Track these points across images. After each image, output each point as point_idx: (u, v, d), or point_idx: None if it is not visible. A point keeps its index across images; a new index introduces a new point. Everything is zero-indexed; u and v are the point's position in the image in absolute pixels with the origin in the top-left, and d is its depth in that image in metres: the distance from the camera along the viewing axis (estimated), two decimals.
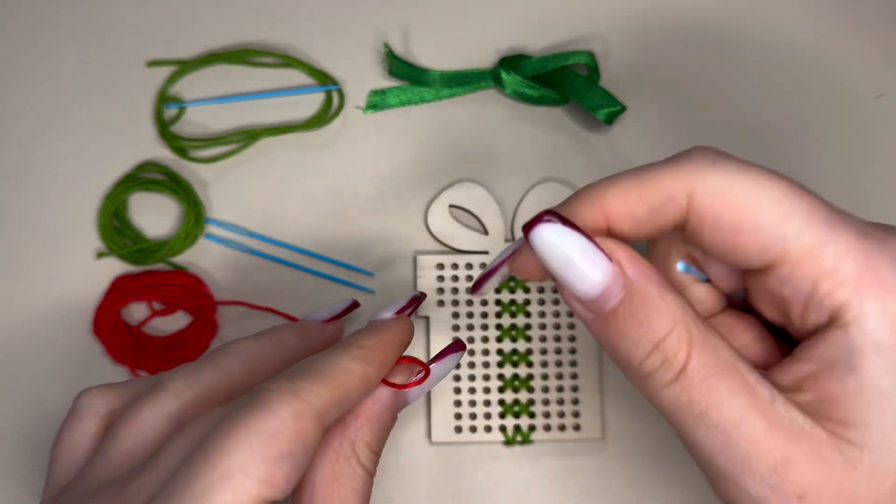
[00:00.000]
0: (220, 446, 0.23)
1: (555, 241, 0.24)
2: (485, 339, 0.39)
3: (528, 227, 0.24)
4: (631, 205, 0.25)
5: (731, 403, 0.23)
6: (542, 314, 0.39)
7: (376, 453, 0.28)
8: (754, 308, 0.27)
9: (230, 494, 0.23)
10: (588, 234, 0.24)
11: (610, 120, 0.41)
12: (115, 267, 0.40)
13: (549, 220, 0.24)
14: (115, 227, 0.40)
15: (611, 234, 0.26)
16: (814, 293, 0.23)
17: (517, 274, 0.28)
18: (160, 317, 0.39)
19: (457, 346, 0.31)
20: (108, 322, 0.38)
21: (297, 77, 0.42)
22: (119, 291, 0.39)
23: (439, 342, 0.39)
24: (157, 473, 0.24)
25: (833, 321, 0.23)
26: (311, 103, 0.42)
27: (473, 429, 0.38)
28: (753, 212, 0.24)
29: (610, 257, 0.24)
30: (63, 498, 0.27)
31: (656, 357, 0.24)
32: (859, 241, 0.23)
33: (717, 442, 0.24)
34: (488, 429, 0.38)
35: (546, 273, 0.25)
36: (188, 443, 0.25)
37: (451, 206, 0.40)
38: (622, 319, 0.24)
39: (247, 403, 0.24)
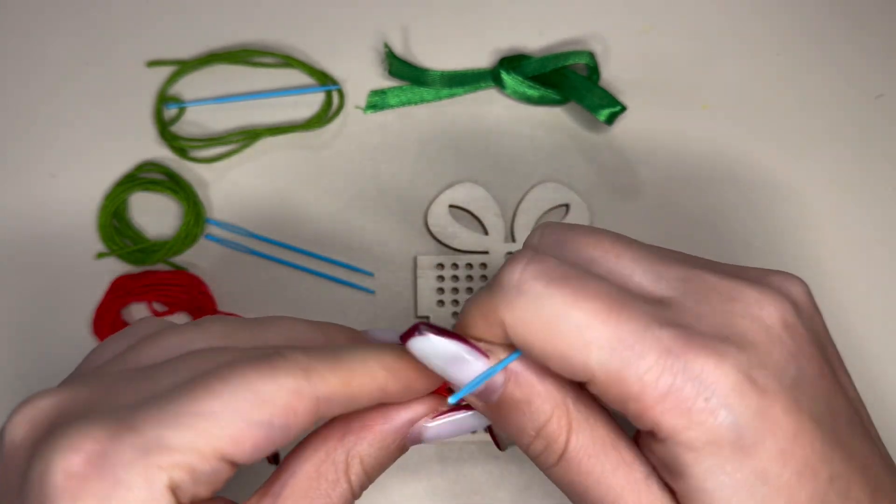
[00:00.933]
0: (211, 386, 0.23)
1: (429, 350, 0.25)
2: None
3: (403, 339, 0.25)
4: (481, 330, 0.26)
5: (608, 483, 0.25)
6: None
7: (368, 474, 0.28)
8: None
9: (193, 433, 0.23)
10: (461, 338, 0.25)
11: (610, 120, 0.40)
12: (115, 267, 0.40)
13: (420, 333, 0.25)
14: (115, 227, 0.40)
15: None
16: (625, 411, 0.24)
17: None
18: (161, 317, 0.39)
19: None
20: (108, 322, 0.38)
21: (297, 77, 0.42)
22: (119, 291, 0.39)
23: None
24: (148, 385, 0.24)
25: (651, 434, 0.24)
26: (311, 103, 0.42)
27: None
28: (558, 342, 0.24)
29: (486, 354, 0.25)
30: (67, 378, 0.27)
31: (540, 442, 0.26)
32: (663, 360, 0.23)
33: None
34: (488, 429, 0.38)
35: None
36: (189, 369, 0.24)
37: (451, 206, 0.40)
38: (506, 409, 0.26)
39: (257, 359, 0.24)
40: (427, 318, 0.39)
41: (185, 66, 0.42)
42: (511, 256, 0.26)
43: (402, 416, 0.28)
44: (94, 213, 0.40)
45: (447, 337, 0.25)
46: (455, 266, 0.40)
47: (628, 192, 0.41)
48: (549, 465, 0.26)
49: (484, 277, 0.39)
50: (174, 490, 0.23)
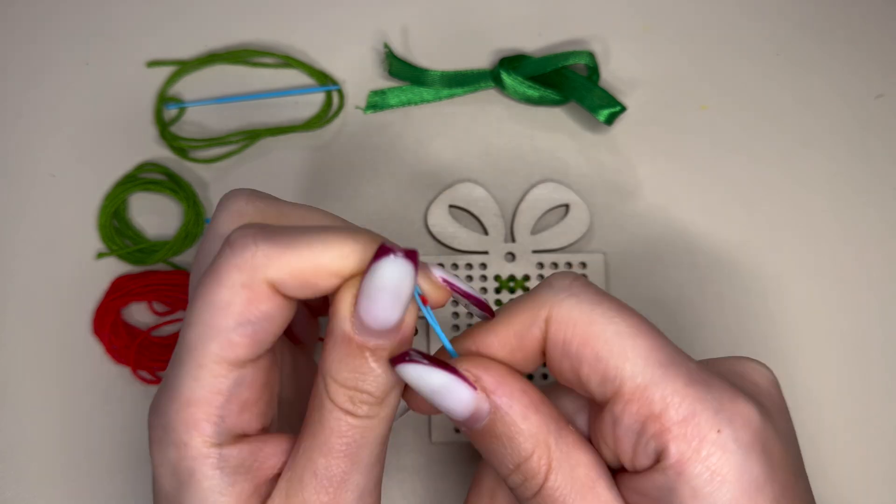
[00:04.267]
0: (193, 319, 0.26)
1: (418, 377, 0.26)
2: None
3: (394, 362, 0.26)
4: (502, 340, 0.27)
5: None
6: None
7: (341, 384, 0.26)
8: (594, 445, 0.28)
9: (202, 367, 0.25)
10: (450, 368, 0.26)
11: (610, 120, 0.40)
12: (115, 267, 0.40)
13: (410, 360, 0.25)
14: (115, 227, 0.40)
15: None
16: (642, 434, 0.25)
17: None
18: (161, 317, 0.39)
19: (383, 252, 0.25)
20: (108, 322, 0.38)
21: (297, 77, 0.42)
22: (119, 291, 0.39)
23: (439, 341, 0.39)
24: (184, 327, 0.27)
25: (657, 462, 0.25)
26: (311, 103, 0.42)
27: None
28: (597, 343, 0.25)
29: (474, 385, 0.26)
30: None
31: (518, 475, 0.26)
32: (687, 386, 0.25)
33: None
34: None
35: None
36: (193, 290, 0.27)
37: (451, 206, 0.40)
38: (488, 439, 0.26)
39: (208, 270, 0.26)
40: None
41: (185, 66, 0.42)
42: (556, 274, 0.27)
43: (339, 326, 0.26)
44: (94, 213, 0.40)
45: (437, 366, 0.26)
46: (455, 266, 0.40)
47: (628, 192, 0.41)
48: (525, 498, 0.27)
49: (483, 277, 0.39)
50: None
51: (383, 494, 0.38)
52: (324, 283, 0.25)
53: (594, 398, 0.26)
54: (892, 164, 0.42)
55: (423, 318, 0.39)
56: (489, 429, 0.26)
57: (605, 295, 0.26)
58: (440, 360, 0.26)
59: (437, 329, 0.27)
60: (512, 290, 0.39)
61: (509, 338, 0.27)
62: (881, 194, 0.42)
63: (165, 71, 0.42)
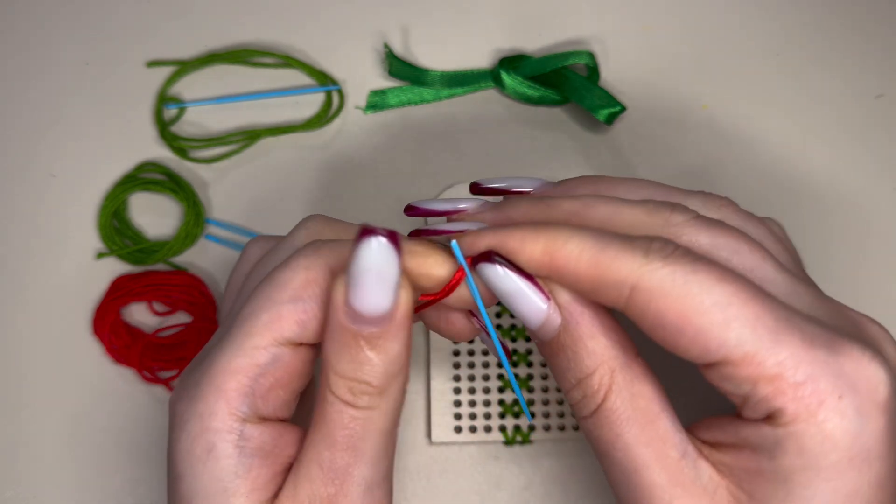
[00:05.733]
0: (252, 296, 0.27)
1: (497, 277, 0.26)
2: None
3: (477, 261, 0.27)
4: (579, 270, 0.26)
5: (635, 451, 0.26)
6: None
7: (341, 375, 0.26)
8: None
9: (249, 337, 0.26)
10: (529, 276, 0.26)
11: (610, 120, 0.41)
12: (115, 267, 0.40)
13: (493, 262, 0.26)
14: (115, 227, 0.40)
15: (550, 278, 0.27)
16: (751, 395, 0.24)
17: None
18: (161, 317, 0.39)
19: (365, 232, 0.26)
20: (108, 322, 0.38)
21: (297, 77, 0.42)
22: (119, 291, 0.39)
23: (439, 342, 0.39)
24: (231, 313, 0.29)
25: (766, 419, 0.24)
26: (311, 103, 0.42)
27: (473, 429, 0.38)
28: (696, 316, 0.24)
29: (548, 296, 0.26)
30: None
31: (578, 391, 0.27)
32: (805, 350, 0.24)
33: (619, 477, 0.26)
34: (488, 429, 0.38)
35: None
36: (249, 290, 0.29)
37: None
38: (555, 352, 0.27)
39: (284, 260, 0.28)
40: None
41: (185, 66, 0.42)
42: (655, 239, 0.26)
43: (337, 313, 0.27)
44: (94, 213, 0.40)
45: (516, 272, 0.26)
46: None
47: None
48: (582, 416, 0.27)
49: None
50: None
51: None
52: None
53: (695, 362, 0.25)
54: (892, 163, 0.42)
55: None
56: (557, 341, 0.27)
57: (704, 263, 0.25)
58: (520, 268, 0.26)
59: (482, 309, 0.28)
60: None
61: (584, 282, 0.26)
62: (881, 194, 0.42)
63: (165, 71, 0.42)
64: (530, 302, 0.26)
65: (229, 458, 0.26)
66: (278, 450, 0.27)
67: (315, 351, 0.28)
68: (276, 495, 0.27)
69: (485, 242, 0.27)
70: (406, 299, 0.26)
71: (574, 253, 0.26)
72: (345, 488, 0.26)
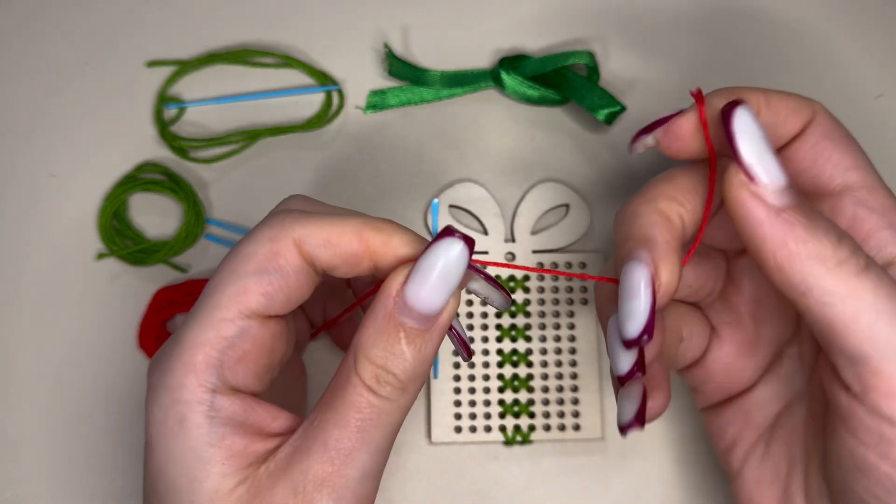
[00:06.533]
0: (218, 269, 0.28)
1: (755, 127, 0.26)
2: (485, 339, 0.39)
3: (733, 105, 0.26)
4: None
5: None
6: (542, 314, 0.39)
7: (371, 360, 0.26)
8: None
9: (215, 310, 0.27)
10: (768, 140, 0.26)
11: (610, 120, 0.41)
12: (115, 267, 0.40)
13: (748, 108, 0.26)
14: (115, 227, 0.40)
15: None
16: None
17: (667, 141, 0.30)
18: None
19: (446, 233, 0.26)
20: (153, 335, 0.38)
21: (297, 77, 0.42)
22: (162, 303, 0.39)
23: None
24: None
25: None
26: (311, 103, 0.42)
27: (473, 429, 0.38)
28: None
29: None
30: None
31: (845, 248, 0.26)
32: None
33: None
34: (488, 429, 0.38)
35: (692, 149, 0.29)
36: None
37: (451, 206, 0.40)
38: (803, 213, 0.26)
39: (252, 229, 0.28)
40: None
41: (185, 66, 0.42)
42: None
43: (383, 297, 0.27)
44: (94, 213, 0.40)
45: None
46: None
47: (628, 192, 0.41)
48: (856, 272, 0.26)
49: None
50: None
51: (383, 495, 0.38)
52: (346, 246, 0.27)
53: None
54: (892, 163, 0.42)
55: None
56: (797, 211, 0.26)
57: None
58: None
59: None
60: (512, 290, 0.39)
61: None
62: None
63: (165, 71, 0.42)
64: (775, 164, 0.26)
65: (200, 427, 0.26)
66: (251, 421, 0.27)
67: (286, 325, 0.29)
68: (254, 466, 0.27)
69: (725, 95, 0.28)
70: (454, 307, 0.27)
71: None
72: (343, 470, 0.26)
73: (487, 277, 0.28)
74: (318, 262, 0.28)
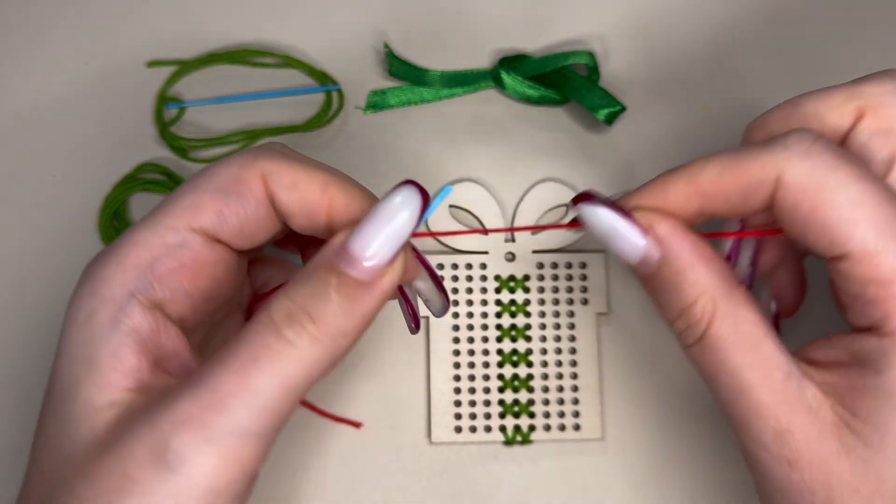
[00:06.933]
0: (180, 185, 0.28)
1: (594, 216, 0.27)
2: (485, 339, 0.39)
3: (576, 201, 0.28)
4: (725, 185, 0.27)
5: (741, 375, 0.26)
6: (542, 314, 0.39)
7: (290, 297, 0.25)
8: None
9: (164, 216, 0.27)
10: (625, 212, 0.27)
11: (610, 120, 0.41)
12: None
13: (588, 201, 0.27)
14: (115, 227, 0.40)
15: (703, 212, 0.28)
16: (862, 295, 0.25)
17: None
18: None
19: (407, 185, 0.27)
20: None
21: (297, 77, 0.42)
22: None
23: (440, 342, 0.39)
24: None
25: (873, 327, 0.25)
26: (311, 103, 0.42)
27: (473, 429, 0.38)
28: (827, 210, 0.25)
29: (646, 231, 0.27)
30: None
31: (682, 321, 0.27)
32: None
33: (727, 399, 0.26)
34: (488, 429, 0.38)
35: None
36: None
37: (451, 206, 0.40)
38: (657, 284, 0.27)
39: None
40: (426, 318, 0.39)
41: (185, 66, 0.42)
42: (794, 131, 0.26)
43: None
44: (94, 213, 0.40)
45: (613, 210, 0.27)
46: (455, 266, 0.40)
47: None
48: (687, 345, 0.27)
49: (484, 277, 0.39)
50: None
51: (383, 494, 0.38)
52: (309, 194, 0.27)
53: (820, 256, 0.26)
54: None
55: (423, 317, 0.39)
56: (658, 274, 0.27)
57: (846, 158, 0.25)
58: (617, 205, 0.27)
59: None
60: (512, 290, 0.39)
61: (734, 193, 0.27)
62: None
63: (165, 71, 0.42)
64: (628, 239, 0.27)
65: (103, 326, 0.25)
66: (156, 344, 0.26)
67: (236, 262, 0.28)
68: (134, 393, 0.25)
69: (630, 202, 0.28)
70: (399, 271, 0.26)
71: (714, 173, 0.27)
72: (209, 416, 0.23)
73: (434, 277, 0.28)
74: (279, 203, 0.27)
